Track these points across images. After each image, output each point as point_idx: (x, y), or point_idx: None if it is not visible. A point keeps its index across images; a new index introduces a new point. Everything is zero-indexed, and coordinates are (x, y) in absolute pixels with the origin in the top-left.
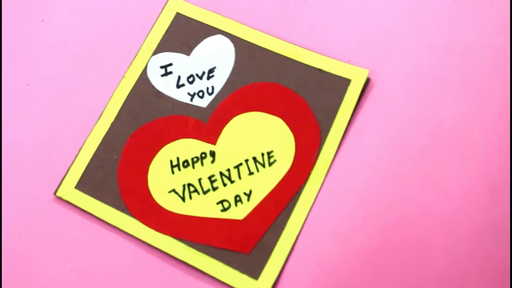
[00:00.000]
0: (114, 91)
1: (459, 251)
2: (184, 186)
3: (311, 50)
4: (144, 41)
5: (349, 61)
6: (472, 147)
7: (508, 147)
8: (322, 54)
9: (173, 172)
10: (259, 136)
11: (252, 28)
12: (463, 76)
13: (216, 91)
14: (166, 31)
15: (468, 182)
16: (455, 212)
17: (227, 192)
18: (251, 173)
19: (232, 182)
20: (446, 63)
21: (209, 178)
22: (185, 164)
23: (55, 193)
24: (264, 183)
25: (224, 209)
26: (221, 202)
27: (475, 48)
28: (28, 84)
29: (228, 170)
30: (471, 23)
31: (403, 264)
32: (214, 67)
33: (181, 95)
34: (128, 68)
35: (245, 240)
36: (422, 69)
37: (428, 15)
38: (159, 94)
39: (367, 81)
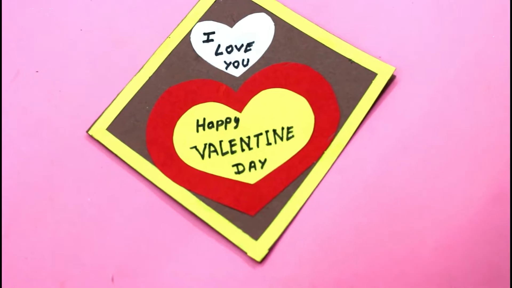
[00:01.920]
0: (157, 48)
1: (453, 253)
2: (205, 145)
3: (345, 41)
4: (193, 7)
5: (380, 57)
6: (482, 156)
7: None
8: (354, 46)
9: (197, 131)
10: (282, 111)
11: (294, 11)
12: (486, 89)
13: (250, 64)
14: (215, 1)
15: (473, 188)
16: (455, 215)
17: (244, 157)
18: (269, 144)
19: (250, 148)
20: (473, 76)
21: (230, 141)
22: (210, 125)
23: (87, 131)
24: (279, 154)
25: (238, 172)
26: (237, 165)
27: (503, 66)
28: (81, 30)
29: (248, 137)
30: (504, 42)
31: (394, 255)
32: (253, 42)
33: (218, 62)
34: (174, 29)
35: (252, 203)
36: (448, 78)
37: (465, 30)
38: (197, 58)
39: (392, 78)
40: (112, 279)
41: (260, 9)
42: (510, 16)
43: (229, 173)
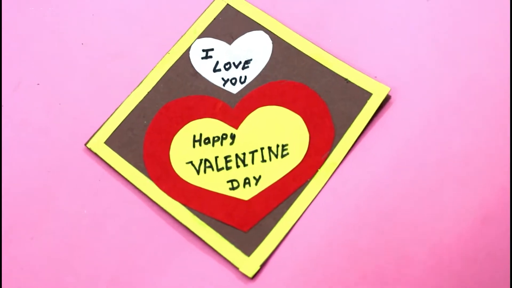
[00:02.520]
0: (157, 64)
1: (441, 272)
2: (201, 160)
3: (342, 60)
4: (192, 24)
5: (375, 77)
6: (473, 177)
7: (505, 184)
8: (351, 66)
9: (194, 146)
10: (278, 129)
11: (292, 30)
12: (478, 112)
13: (247, 81)
14: (214, 19)
15: (463, 209)
16: (445, 235)
17: (239, 173)
18: (263, 161)
19: (245, 165)
20: (465, 98)
21: (225, 157)
22: (206, 141)
23: (86, 144)
24: (273, 171)
25: (233, 188)
26: (231, 181)
27: (496, 89)
28: (82, 44)
29: (244, 154)
30: (497, 65)
31: (384, 273)
32: (251, 59)
33: (216, 79)
34: (174, 45)
35: (246, 219)
36: (441, 99)
37: (459, 52)
38: (196, 74)
39: (387, 98)
40: None
41: (258, 27)
42: (510, 41)
43: (223, 189)
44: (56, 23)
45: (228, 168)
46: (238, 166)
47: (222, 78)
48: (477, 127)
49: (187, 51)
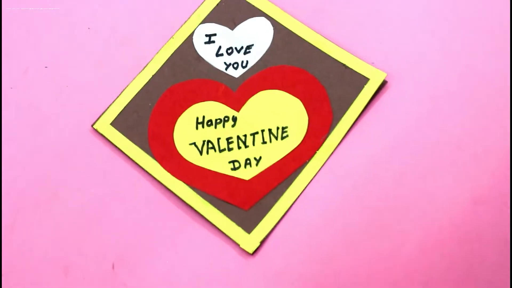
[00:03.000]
0: (161, 48)
1: (434, 252)
2: (204, 141)
3: (340, 46)
4: (196, 10)
5: (373, 63)
6: (466, 162)
7: (496, 169)
8: (349, 52)
9: (197, 128)
10: (278, 112)
11: (293, 17)
12: (473, 98)
13: (249, 66)
14: (217, 4)
15: (456, 192)
16: (438, 216)
17: (240, 154)
18: (264, 142)
19: (246, 146)
20: (460, 86)
21: (227, 139)
22: (209, 123)
23: (92, 125)
24: (273, 152)
25: (234, 168)
26: (233, 161)
27: (491, 77)
28: (88, 28)
29: (245, 135)
30: (497, 55)
31: (379, 251)
32: (252, 45)
33: (218, 63)
34: (177, 30)
35: (246, 198)
36: (437, 85)
37: (456, 41)
38: (199, 58)
39: (384, 83)
40: (113, 267)
41: (260, 13)
42: (510, 32)
43: (225, 169)
44: (63, 8)
45: (229, 149)
46: (239, 148)
47: (225, 63)
48: (471, 114)
49: (190, 36)
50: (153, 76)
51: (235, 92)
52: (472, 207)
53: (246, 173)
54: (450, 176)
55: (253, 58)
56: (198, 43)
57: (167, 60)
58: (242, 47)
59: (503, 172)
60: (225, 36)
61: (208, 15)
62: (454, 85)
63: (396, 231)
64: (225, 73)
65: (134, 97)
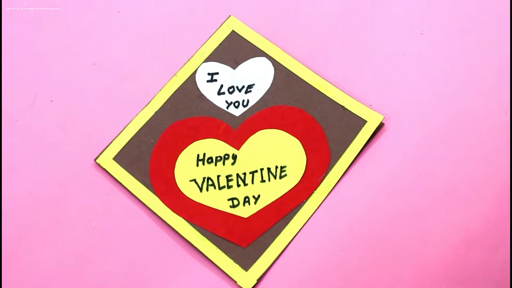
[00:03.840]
0: (164, 85)
1: None
2: (204, 178)
3: (339, 88)
4: (199, 49)
5: (371, 105)
6: (459, 204)
7: (488, 211)
8: (348, 94)
9: (197, 165)
10: (277, 151)
11: (293, 57)
12: (465, 141)
13: (250, 105)
14: (220, 44)
15: (447, 231)
16: (430, 256)
17: (239, 192)
18: (263, 181)
19: (245, 184)
20: (454, 128)
21: (227, 177)
22: (209, 160)
23: (95, 160)
24: (272, 191)
25: (233, 206)
26: (232, 199)
27: (482, 121)
28: (94, 63)
29: (244, 173)
30: (492, 97)
31: None
32: (253, 84)
33: (220, 102)
34: (181, 68)
35: (245, 236)
36: (432, 129)
37: (450, 84)
38: (201, 96)
39: (381, 125)
40: None
41: (261, 53)
42: (510, 74)
43: (224, 207)
44: (70, 43)
45: (229, 187)
46: (238, 185)
47: (226, 101)
48: (464, 156)
49: (193, 74)
50: (156, 112)
51: (236, 131)
52: (464, 249)
53: (244, 211)
54: (443, 217)
55: (254, 97)
56: (201, 81)
57: (170, 97)
58: (243, 86)
59: (495, 214)
60: (227, 75)
61: (211, 54)
62: (448, 127)
63: (391, 271)
64: (226, 111)
65: (137, 133)
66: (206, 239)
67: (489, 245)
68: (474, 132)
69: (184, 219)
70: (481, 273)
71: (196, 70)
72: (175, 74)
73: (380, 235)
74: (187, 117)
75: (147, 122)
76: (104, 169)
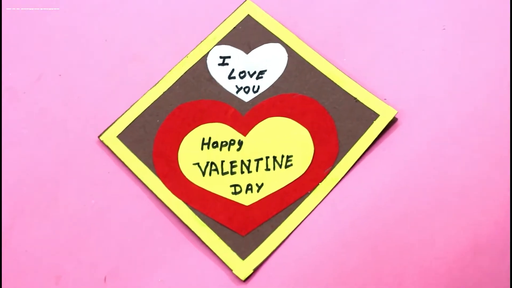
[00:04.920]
0: (174, 66)
1: None
2: (207, 163)
3: (353, 79)
4: (213, 31)
5: (385, 99)
6: (468, 209)
7: (499, 219)
8: (362, 85)
9: (202, 148)
10: (285, 140)
11: (308, 45)
12: (479, 142)
13: (260, 91)
14: (234, 28)
15: (455, 236)
16: (435, 261)
17: (242, 179)
18: (267, 169)
19: (249, 172)
20: (469, 129)
21: (231, 162)
22: (215, 145)
23: (99, 137)
24: (276, 180)
25: (235, 193)
26: (234, 186)
27: (499, 123)
28: (105, 40)
29: (249, 160)
30: (502, 101)
31: None
32: (265, 70)
33: (230, 86)
34: (192, 50)
35: (244, 224)
36: (446, 129)
37: (468, 83)
38: (211, 79)
39: (394, 120)
40: (105, 280)
41: (276, 39)
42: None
43: (226, 193)
44: (82, 19)
45: (232, 173)
46: (242, 172)
47: (236, 86)
48: (478, 159)
49: (205, 57)
50: (164, 92)
51: (244, 116)
52: (472, 256)
53: (246, 199)
54: (452, 221)
55: (265, 83)
56: (212, 64)
57: (179, 78)
58: (255, 72)
59: (506, 221)
60: (239, 59)
61: (224, 37)
62: (463, 128)
63: (392, 273)
64: (235, 96)
65: (143, 112)
66: (204, 224)
67: (498, 254)
68: (490, 135)
69: (184, 202)
70: (487, 283)
71: (208, 52)
72: (186, 56)
73: (383, 235)
74: (195, 99)
75: (154, 102)
76: (107, 147)
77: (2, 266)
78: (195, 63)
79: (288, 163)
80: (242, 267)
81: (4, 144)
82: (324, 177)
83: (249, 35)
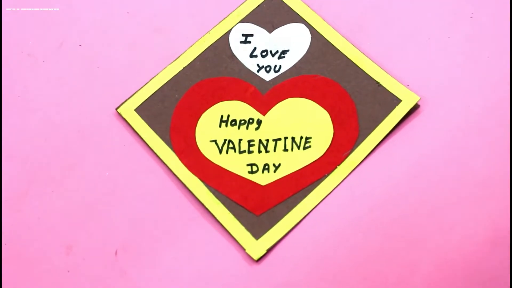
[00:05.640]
0: (196, 41)
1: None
2: (225, 140)
3: (376, 63)
4: (236, 8)
5: (408, 85)
6: (488, 200)
7: None
8: (385, 70)
9: (220, 126)
10: (304, 121)
11: (332, 27)
12: (503, 135)
13: (281, 71)
14: (258, 5)
15: (473, 228)
16: (451, 251)
17: (259, 159)
18: (285, 150)
19: (267, 151)
20: (493, 120)
21: (249, 141)
22: (233, 123)
23: (116, 109)
24: (293, 161)
25: (252, 172)
26: (251, 165)
27: None
28: (128, 12)
29: (267, 140)
30: None
31: (386, 279)
32: (288, 50)
33: (251, 64)
34: (215, 26)
35: (259, 204)
36: (470, 118)
37: (494, 72)
38: (232, 56)
39: (416, 107)
40: (116, 253)
41: (300, 19)
42: None
43: (242, 171)
44: None
45: (250, 152)
46: (260, 152)
47: (257, 65)
48: (499, 151)
49: (227, 33)
50: (184, 68)
51: (264, 96)
52: (490, 248)
53: (262, 178)
54: (471, 212)
55: (286, 63)
56: (234, 41)
57: (200, 54)
58: (277, 51)
59: None
60: (262, 38)
61: (248, 15)
62: (487, 119)
63: (406, 261)
64: (256, 75)
65: (162, 87)
66: (219, 202)
67: None
68: None
69: (200, 179)
70: (504, 276)
71: (231, 29)
72: (208, 32)
73: (399, 222)
74: (215, 76)
75: (174, 76)
76: (125, 120)
77: (12, 234)
78: (217, 40)
79: (307, 145)
80: (256, 247)
81: (23, 110)
82: (342, 161)
83: (273, 14)
